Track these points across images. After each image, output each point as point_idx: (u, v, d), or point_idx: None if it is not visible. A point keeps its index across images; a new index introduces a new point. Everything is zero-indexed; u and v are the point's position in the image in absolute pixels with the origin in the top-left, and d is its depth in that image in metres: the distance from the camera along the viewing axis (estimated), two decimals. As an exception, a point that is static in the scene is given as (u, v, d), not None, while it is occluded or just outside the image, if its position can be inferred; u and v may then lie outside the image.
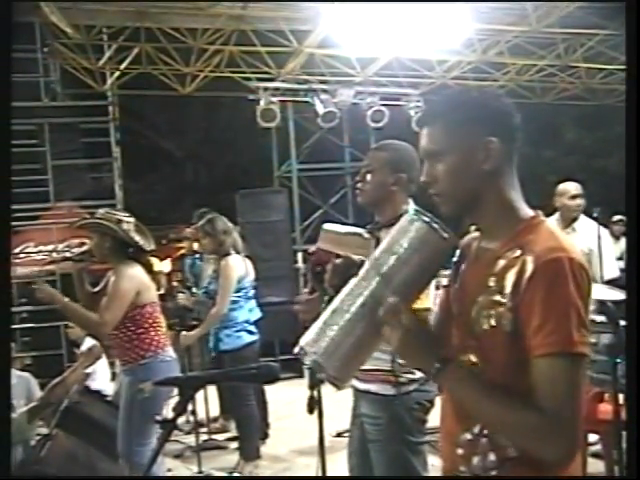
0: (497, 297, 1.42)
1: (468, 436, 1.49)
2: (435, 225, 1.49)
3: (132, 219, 3.69)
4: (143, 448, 3.48)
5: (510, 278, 1.41)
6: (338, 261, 1.59)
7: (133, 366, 3.62)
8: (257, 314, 5.10)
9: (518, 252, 1.42)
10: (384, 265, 1.50)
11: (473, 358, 1.47)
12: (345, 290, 1.53)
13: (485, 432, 1.46)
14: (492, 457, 1.45)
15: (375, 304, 1.47)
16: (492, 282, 1.44)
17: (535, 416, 1.34)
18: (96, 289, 3.87)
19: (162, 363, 3.63)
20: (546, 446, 1.33)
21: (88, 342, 5.99)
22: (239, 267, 4.81)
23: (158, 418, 3.32)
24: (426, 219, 1.50)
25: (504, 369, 1.41)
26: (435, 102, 1.60)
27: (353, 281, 1.53)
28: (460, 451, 1.51)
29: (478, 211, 1.53)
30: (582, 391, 1.36)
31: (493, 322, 1.42)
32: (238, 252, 4.86)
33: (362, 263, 1.56)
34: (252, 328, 4.92)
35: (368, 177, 2.69)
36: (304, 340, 1.50)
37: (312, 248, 2.44)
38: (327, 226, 2.76)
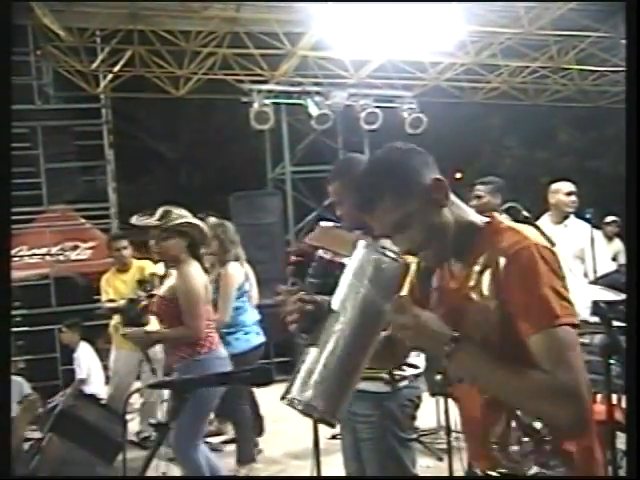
0: (481, 301, 1.51)
1: (498, 429, 1.54)
2: (389, 253, 1.55)
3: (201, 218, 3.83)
4: (196, 446, 3.61)
5: (486, 281, 1.50)
6: (307, 308, 1.61)
7: (188, 362, 3.63)
8: (257, 316, 5.10)
9: (485, 256, 1.52)
10: (350, 304, 1.54)
11: None
12: (320, 334, 1.56)
13: (512, 421, 1.52)
14: (527, 441, 1.51)
15: (349, 342, 1.52)
16: (473, 292, 1.53)
17: (545, 380, 1.40)
18: (160, 292, 3.89)
19: (217, 360, 3.68)
20: (557, 409, 1.39)
21: (82, 347, 5.98)
22: (238, 274, 4.82)
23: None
24: (377, 249, 1.56)
25: (512, 356, 1.46)
26: (367, 188, 1.56)
27: (327, 324, 1.56)
28: (495, 446, 1.55)
29: (449, 242, 1.58)
30: (579, 357, 1.42)
31: (485, 327, 1.50)
32: (237, 259, 4.88)
33: (329, 305, 1.58)
34: (259, 330, 4.95)
35: (339, 211, 2.67)
36: (293, 391, 1.53)
37: (293, 247, 2.47)
38: (324, 224, 2.76)
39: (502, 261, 1.46)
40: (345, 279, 1.60)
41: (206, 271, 3.80)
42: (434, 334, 1.46)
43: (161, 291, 3.80)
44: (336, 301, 1.58)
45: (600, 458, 1.55)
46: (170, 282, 3.73)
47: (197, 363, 3.62)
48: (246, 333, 4.83)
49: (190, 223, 3.72)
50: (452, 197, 1.58)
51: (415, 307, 1.48)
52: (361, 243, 1.61)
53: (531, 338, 1.43)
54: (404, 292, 1.72)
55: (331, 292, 1.61)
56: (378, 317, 1.55)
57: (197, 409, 3.48)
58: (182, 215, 3.73)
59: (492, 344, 1.48)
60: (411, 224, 1.53)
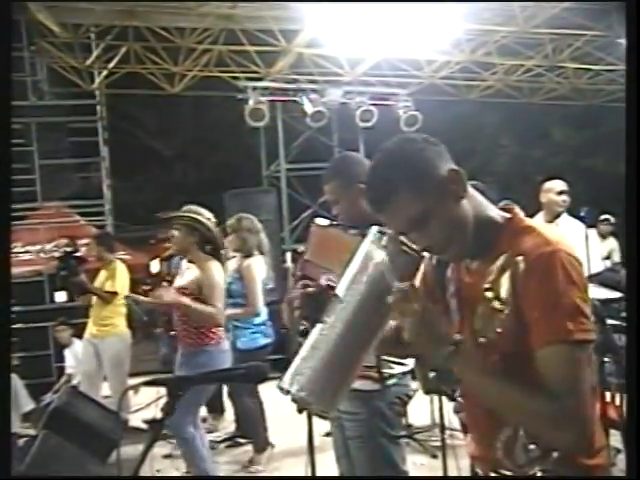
0: (496, 304, 1.44)
1: (507, 432, 1.48)
2: (404, 247, 1.52)
3: (214, 219, 3.95)
4: (189, 422, 3.80)
5: (505, 283, 1.42)
6: (308, 291, 1.59)
7: (195, 350, 3.83)
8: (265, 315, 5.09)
9: (506, 256, 1.44)
10: (356, 293, 1.52)
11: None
12: (322, 324, 1.55)
13: (520, 426, 1.46)
14: (534, 448, 1.45)
15: (351, 333, 1.50)
16: (489, 292, 1.45)
17: (547, 405, 1.34)
18: (180, 283, 4.02)
19: (221, 353, 3.87)
20: (558, 435, 1.34)
21: (77, 345, 5.98)
22: (261, 269, 4.82)
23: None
24: (392, 239, 1.52)
25: (519, 367, 1.41)
26: (380, 183, 1.47)
27: (328, 316, 1.54)
28: (499, 447, 1.50)
29: (469, 237, 1.50)
30: (586, 376, 1.36)
31: (499, 329, 1.43)
32: (262, 253, 4.89)
33: (332, 290, 1.57)
34: (268, 331, 4.94)
35: (335, 210, 2.66)
36: (285, 381, 1.51)
37: (297, 273, 2.41)
38: (319, 221, 2.73)
39: (521, 266, 1.39)
40: (353, 266, 1.56)
41: (223, 267, 3.94)
42: (435, 333, 1.41)
43: (181, 283, 3.93)
44: (341, 288, 1.55)
45: (606, 463, 1.49)
46: (190, 276, 3.87)
47: (202, 353, 3.80)
48: (253, 332, 4.82)
49: (194, 218, 3.85)
50: (470, 189, 1.48)
51: (423, 300, 1.42)
52: (373, 229, 1.57)
53: (539, 351, 1.36)
54: (416, 281, 1.65)
55: None
56: (381, 307, 1.49)
57: (194, 390, 3.56)
58: (192, 211, 3.91)
59: (499, 350, 1.43)
60: (429, 220, 1.44)
